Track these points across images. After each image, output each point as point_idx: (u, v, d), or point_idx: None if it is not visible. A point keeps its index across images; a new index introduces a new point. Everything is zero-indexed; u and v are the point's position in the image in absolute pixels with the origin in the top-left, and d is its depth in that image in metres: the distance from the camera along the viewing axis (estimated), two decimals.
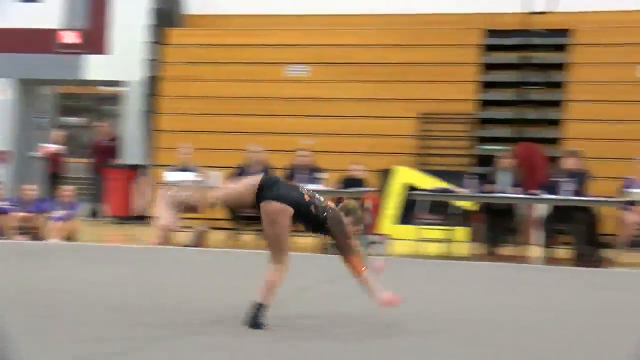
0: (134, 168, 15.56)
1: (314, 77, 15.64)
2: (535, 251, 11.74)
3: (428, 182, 12.90)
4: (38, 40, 16.85)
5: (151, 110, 16.29)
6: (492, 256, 11.34)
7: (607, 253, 11.03)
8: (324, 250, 10.61)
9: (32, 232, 11.59)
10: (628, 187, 11.31)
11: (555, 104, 14.85)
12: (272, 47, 15.99)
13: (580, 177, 11.20)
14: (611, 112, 14.19)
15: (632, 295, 7.88)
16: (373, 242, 10.65)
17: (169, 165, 12.52)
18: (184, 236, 11.44)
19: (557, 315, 6.47)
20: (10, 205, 11.77)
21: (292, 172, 11.90)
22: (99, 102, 21.16)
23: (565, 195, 10.97)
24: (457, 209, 12.09)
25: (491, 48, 15.48)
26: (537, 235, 11.85)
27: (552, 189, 11.22)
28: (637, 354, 5.20)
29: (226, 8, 17.17)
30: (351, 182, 12.07)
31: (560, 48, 15.20)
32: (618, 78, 14.36)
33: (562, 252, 11.53)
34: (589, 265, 10.42)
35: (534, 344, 5.28)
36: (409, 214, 12.48)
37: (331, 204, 5.69)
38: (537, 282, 8.66)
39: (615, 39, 14.58)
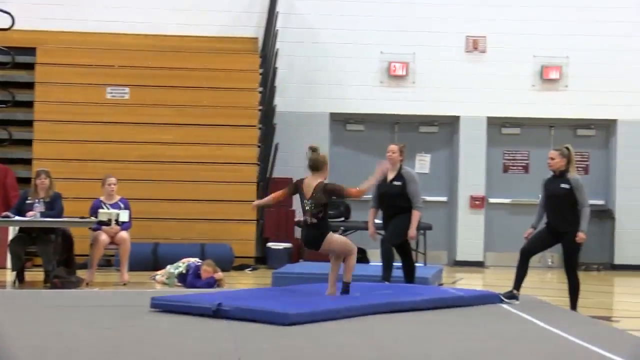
0: None
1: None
2: (7, 275, 11.64)
3: None
4: None
5: None
6: None
7: (82, 274, 11.30)
8: None
9: None
10: (98, 207, 11.71)
11: (25, 123, 14.79)
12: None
13: (52, 198, 11.33)
14: (81, 132, 14.54)
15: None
16: None
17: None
18: None
19: None
20: None
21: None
22: None
23: (37, 217, 11.03)
24: None
25: None
26: (7, 258, 11.74)
27: (23, 210, 11.22)
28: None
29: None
30: None
31: (27, 66, 15.17)
32: (89, 99, 14.74)
33: (35, 274, 11.60)
34: (63, 287, 10.61)
35: None
36: None
37: None
38: (6, 307, 8.62)
39: (85, 60, 14.95)
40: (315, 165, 8.30)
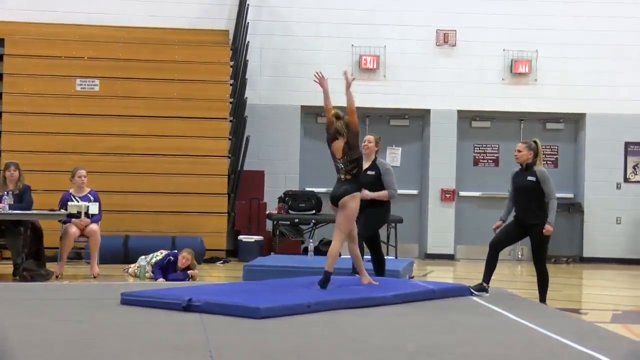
0: None
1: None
2: None
3: None
4: None
5: None
6: None
7: (52, 266, 11.25)
8: None
9: None
10: (68, 200, 11.64)
11: None
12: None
13: (21, 191, 11.25)
14: (51, 124, 14.45)
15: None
16: None
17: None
18: None
19: None
20: None
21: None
22: None
23: (5, 210, 10.95)
24: None
25: None
26: None
27: None
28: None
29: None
30: None
31: None
32: (58, 91, 14.65)
33: (4, 267, 11.54)
34: (33, 280, 10.56)
35: None
36: None
37: None
38: None
39: (52, 51, 14.85)
40: (339, 132, 8.94)
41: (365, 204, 9.51)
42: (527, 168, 9.60)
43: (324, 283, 8.55)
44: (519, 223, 9.57)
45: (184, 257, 11.36)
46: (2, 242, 11.34)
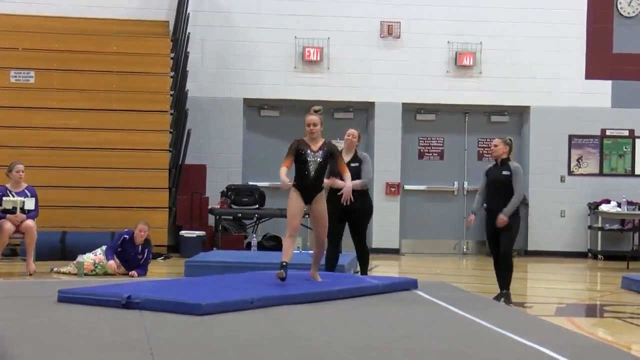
0: None
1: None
2: None
3: None
4: None
5: None
6: None
7: None
8: None
9: None
10: (3, 195, 11.49)
11: None
12: None
13: None
14: None
15: None
16: None
17: None
18: None
19: None
20: None
21: None
22: None
23: None
24: None
25: None
26: None
27: None
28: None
29: None
30: None
31: None
32: None
33: None
34: None
35: None
36: None
37: None
38: None
39: None
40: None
41: (356, 198, 9.62)
42: (502, 163, 9.96)
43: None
44: (492, 218, 9.79)
45: (141, 230, 11.37)
46: None
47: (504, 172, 9.89)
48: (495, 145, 10.06)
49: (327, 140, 8.68)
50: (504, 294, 9.79)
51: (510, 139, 10.17)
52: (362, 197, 10.16)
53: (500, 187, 9.85)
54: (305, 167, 8.50)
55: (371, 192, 16.34)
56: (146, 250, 11.45)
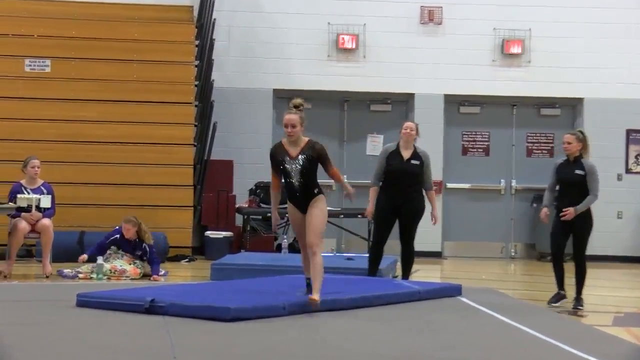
0: None
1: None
2: None
3: None
4: None
5: None
6: None
7: (1, 265, 11.26)
8: None
9: None
10: (17, 192, 11.62)
11: None
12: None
13: None
14: None
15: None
16: None
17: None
18: None
19: None
20: None
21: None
22: None
23: None
24: None
25: None
26: None
27: None
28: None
29: None
30: None
31: None
32: (5, 72, 14.59)
33: None
34: None
35: None
36: None
37: None
38: None
39: (1, 29, 14.78)
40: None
41: (406, 194, 10.15)
42: (575, 161, 9.95)
43: None
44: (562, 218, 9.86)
45: (126, 228, 11.57)
46: None
47: (578, 172, 9.87)
48: (569, 143, 9.98)
49: (310, 141, 8.08)
50: (577, 298, 9.85)
51: (581, 132, 10.13)
52: (415, 196, 10.23)
53: (572, 187, 9.86)
54: (287, 178, 8.02)
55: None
56: (144, 247, 11.60)
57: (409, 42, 16.51)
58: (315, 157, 8.00)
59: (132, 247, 11.63)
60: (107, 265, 11.43)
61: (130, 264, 11.54)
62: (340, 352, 6.38)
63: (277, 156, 8.07)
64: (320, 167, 8.08)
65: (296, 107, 8.04)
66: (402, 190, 10.25)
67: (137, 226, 11.66)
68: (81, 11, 15.44)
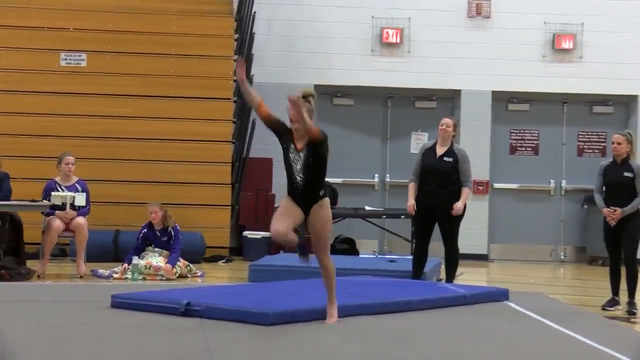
0: None
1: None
2: None
3: None
4: None
5: None
6: None
7: (33, 264, 11.30)
8: None
9: None
10: (52, 189, 11.67)
11: None
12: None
13: (0, 178, 11.30)
14: (32, 103, 14.49)
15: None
16: None
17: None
18: None
19: None
20: None
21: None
22: None
23: None
24: None
25: None
26: None
27: None
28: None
29: None
30: None
31: None
32: (40, 66, 14.69)
33: None
34: (12, 280, 10.62)
35: None
36: None
37: None
38: None
39: (33, 21, 14.89)
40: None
41: (440, 193, 10.09)
42: (623, 162, 9.90)
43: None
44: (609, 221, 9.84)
45: (151, 212, 11.72)
46: None
47: (626, 174, 9.80)
48: (619, 143, 9.89)
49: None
50: (629, 302, 9.75)
51: (629, 133, 10.06)
52: (451, 197, 10.19)
53: (621, 189, 9.80)
54: (291, 171, 7.38)
55: None
56: (169, 231, 11.71)
57: (455, 37, 16.41)
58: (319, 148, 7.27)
59: (159, 235, 11.71)
60: (142, 262, 11.47)
61: (166, 263, 11.57)
62: (386, 358, 6.32)
63: (284, 136, 7.43)
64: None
65: (305, 97, 7.28)
66: (436, 189, 10.22)
67: (163, 211, 11.76)
68: (118, 4, 15.51)
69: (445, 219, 10.24)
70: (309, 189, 7.35)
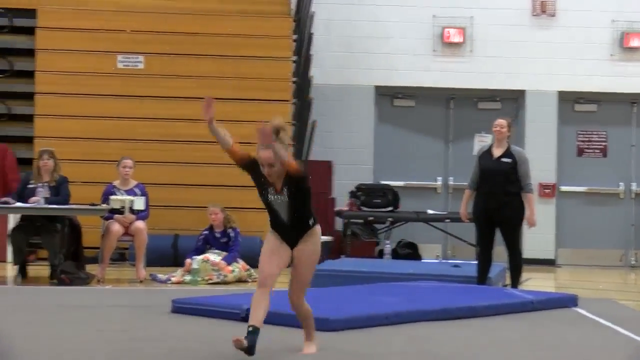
0: None
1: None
2: (8, 269, 11.83)
3: None
4: None
5: None
6: None
7: (92, 269, 11.45)
8: None
9: None
10: (110, 193, 11.81)
11: (25, 96, 14.94)
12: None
13: (57, 182, 11.46)
14: (89, 106, 14.64)
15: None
16: None
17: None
18: None
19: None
20: None
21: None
22: None
23: (40, 204, 11.18)
24: None
25: None
26: (8, 250, 11.93)
27: (23, 195, 11.37)
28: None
29: None
30: None
31: (26, 31, 15.29)
32: (97, 69, 14.84)
33: (40, 269, 11.79)
34: (71, 284, 10.76)
35: None
36: None
37: None
38: (13, 306, 8.79)
39: (90, 24, 15.05)
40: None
41: (498, 196, 10.12)
42: None
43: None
44: None
45: (211, 213, 11.90)
46: (36, 240, 11.56)
47: None
48: None
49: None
50: None
51: None
52: (509, 200, 10.17)
53: None
54: (272, 210, 6.58)
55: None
56: (228, 232, 11.92)
57: (519, 36, 16.33)
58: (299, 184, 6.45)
59: (220, 237, 11.85)
60: (200, 257, 11.59)
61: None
62: None
63: (260, 177, 6.62)
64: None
65: (276, 133, 6.42)
66: (495, 192, 10.20)
67: (224, 213, 11.95)
68: (175, 5, 15.62)
69: (505, 223, 10.22)
70: (296, 222, 6.52)
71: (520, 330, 7.88)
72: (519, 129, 16.40)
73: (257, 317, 6.20)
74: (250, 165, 6.66)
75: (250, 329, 6.13)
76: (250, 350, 6.07)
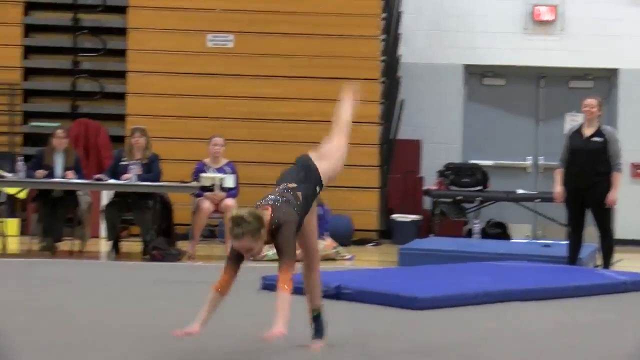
0: None
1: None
2: (102, 245, 12.05)
3: None
4: None
5: None
6: (50, 252, 11.40)
7: (183, 245, 11.62)
8: None
9: None
10: (201, 171, 11.94)
11: (117, 74, 15.16)
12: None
13: (149, 160, 11.62)
14: (180, 85, 14.81)
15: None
16: None
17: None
18: None
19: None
20: None
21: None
22: None
23: (133, 181, 11.35)
24: (3, 197, 12.02)
25: (35, 6, 15.41)
26: (102, 226, 12.16)
27: (116, 172, 11.56)
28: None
29: None
30: None
31: (118, 10, 15.48)
32: (188, 47, 14.98)
33: (132, 245, 11.99)
34: (165, 260, 10.92)
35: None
36: None
37: None
38: (108, 280, 8.95)
39: (183, 3, 15.17)
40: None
41: (588, 175, 10.05)
42: None
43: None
44: None
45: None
46: (129, 217, 11.77)
47: None
48: None
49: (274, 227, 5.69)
50: None
51: None
52: (599, 180, 10.05)
53: None
54: None
55: None
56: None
57: (613, 13, 16.04)
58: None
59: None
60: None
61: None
62: (542, 345, 6.26)
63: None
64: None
65: (237, 224, 5.58)
66: (584, 172, 10.12)
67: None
68: None
69: (596, 203, 10.10)
70: None
71: (614, 311, 7.79)
72: (611, 108, 16.16)
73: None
74: (239, 257, 5.97)
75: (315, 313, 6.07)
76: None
